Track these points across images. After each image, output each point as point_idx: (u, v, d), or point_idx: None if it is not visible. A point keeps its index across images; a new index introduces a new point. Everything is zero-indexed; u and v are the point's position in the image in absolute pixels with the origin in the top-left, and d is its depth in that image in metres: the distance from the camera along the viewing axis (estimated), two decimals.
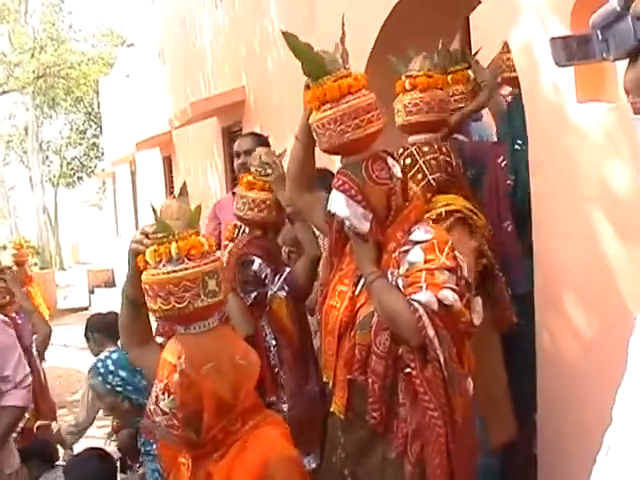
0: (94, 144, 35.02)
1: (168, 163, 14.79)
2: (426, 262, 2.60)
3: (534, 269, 3.57)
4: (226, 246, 4.25)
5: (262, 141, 4.87)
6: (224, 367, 2.19)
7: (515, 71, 3.86)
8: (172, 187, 14.51)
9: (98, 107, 30.20)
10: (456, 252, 2.68)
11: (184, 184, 2.78)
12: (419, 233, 2.69)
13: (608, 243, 3.01)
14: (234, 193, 5.12)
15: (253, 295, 3.70)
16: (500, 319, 3.61)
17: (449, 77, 4.26)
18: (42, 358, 5.95)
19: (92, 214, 42.62)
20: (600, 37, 1.33)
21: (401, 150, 3.56)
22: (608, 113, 2.97)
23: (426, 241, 2.65)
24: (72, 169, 36.28)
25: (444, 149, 3.63)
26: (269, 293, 3.74)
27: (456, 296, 2.55)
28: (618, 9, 1.27)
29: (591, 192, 3.10)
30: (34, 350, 5.45)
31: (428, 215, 3.20)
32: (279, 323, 3.71)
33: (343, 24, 2.99)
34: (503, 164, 4.09)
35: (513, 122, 4.15)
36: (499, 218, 3.97)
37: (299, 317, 3.81)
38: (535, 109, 3.44)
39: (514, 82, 4.04)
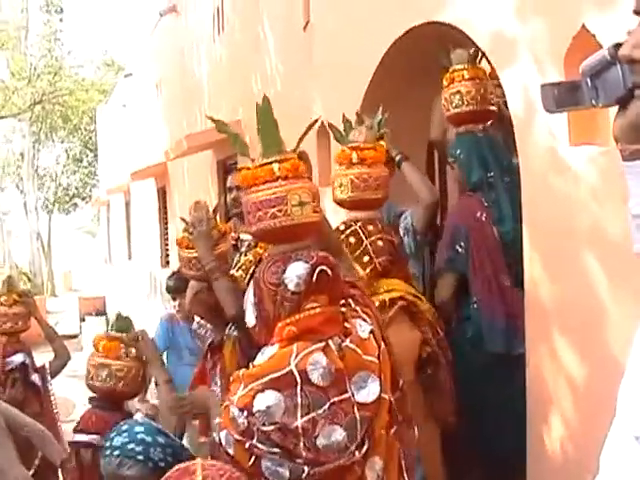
0: (90, 172, 35.09)
1: (162, 194, 14.80)
2: None
3: (526, 308, 3.58)
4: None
5: None
6: None
7: (466, 104, 3.91)
8: (166, 218, 14.52)
9: (95, 135, 30.32)
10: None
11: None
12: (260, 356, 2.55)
13: (598, 283, 3.02)
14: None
15: (207, 343, 3.63)
16: (440, 410, 3.58)
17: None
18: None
19: (85, 241, 42.58)
20: (590, 84, 1.35)
21: (343, 227, 3.49)
22: (600, 156, 2.99)
23: None
24: (67, 196, 36.31)
25: (386, 227, 3.59)
26: (218, 339, 3.59)
27: None
28: (608, 57, 1.29)
29: (583, 233, 3.12)
30: (47, 375, 5.20)
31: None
32: (224, 365, 3.49)
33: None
34: (483, 217, 3.92)
35: (481, 158, 4.00)
36: (493, 275, 3.84)
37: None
38: (528, 151, 3.46)
39: (462, 118, 4.01)
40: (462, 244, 3.86)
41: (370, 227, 3.50)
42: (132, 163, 15.92)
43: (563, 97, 1.45)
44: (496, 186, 3.94)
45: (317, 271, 2.46)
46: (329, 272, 2.50)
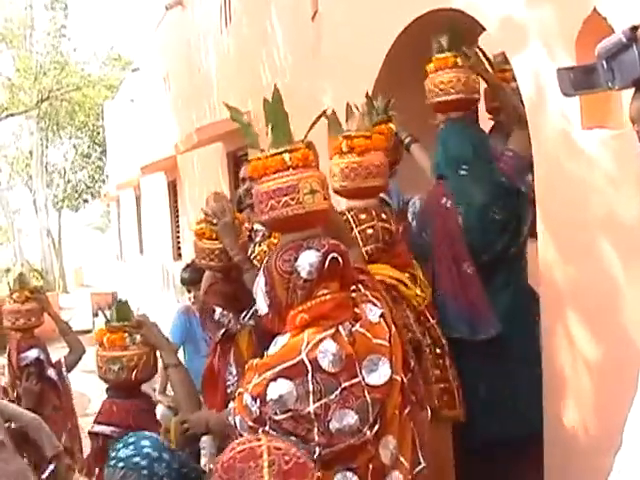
0: (99, 167, 35.12)
1: (173, 187, 14.83)
2: None
3: (541, 292, 3.59)
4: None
5: None
6: None
7: (449, 93, 3.90)
8: (177, 211, 14.55)
9: (103, 131, 30.34)
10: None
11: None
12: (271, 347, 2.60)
13: (614, 267, 3.03)
14: None
15: (221, 332, 3.58)
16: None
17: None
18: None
19: (96, 237, 42.67)
20: (606, 67, 1.35)
21: None
22: (613, 139, 2.99)
23: None
24: (76, 192, 36.35)
25: (383, 215, 3.55)
26: (237, 328, 3.56)
27: None
28: (624, 39, 1.29)
29: (597, 217, 3.12)
30: (64, 370, 5.20)
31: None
32: (239, 355, 3.48)
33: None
34: (448, 204, 3.93)
35: (452, 148, 4.03)
36: (455, 263, 3.84)
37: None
38: (540, 135, 3.46)
39: (446, 106, 4.00)
40: (427, 233, 3.93)
41: (363, 215, 3.48)
42: (141, 157, 15.92)
43: (579, 80, 1.46)
44: (451, 175, 3.96)
45: (329, 258, 2.52)
46: (340, 259, 2.55)
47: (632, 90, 1.34)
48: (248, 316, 3.49)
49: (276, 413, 2.39)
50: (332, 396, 2.41)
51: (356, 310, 2.59)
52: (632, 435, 1.29)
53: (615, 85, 1.36)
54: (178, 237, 14.36)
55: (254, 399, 2.44)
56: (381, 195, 3.81)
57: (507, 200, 3.89)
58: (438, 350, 3.64)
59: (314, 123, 2.84)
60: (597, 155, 3.08)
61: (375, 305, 2.64)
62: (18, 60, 30.71)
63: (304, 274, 2.51)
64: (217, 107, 10.89)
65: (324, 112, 3.30)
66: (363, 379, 2.46)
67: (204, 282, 3.83)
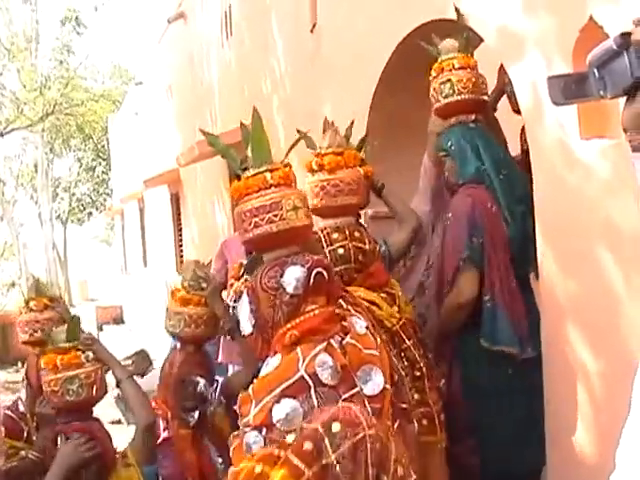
0: (103, 180, 35.21)
1: (176, 200, 14.83)
2: None
3: (540, 303, 3.55)
4: (232, 285, 4.24)
5: None
6: None
7: (457, 93, 3.75)
8: (180, 224, 14.55)
9: (107, 145, 30.41)
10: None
11: None
12: (263, 368, 2.58)
13: (613, 277, 3.00)
14: None
15: (196, 415, 3.55)
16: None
17: None
18: None
19: (101, 250, 42.70)
20: (597, 75, 1.33)
21: None
22: (612, 149, 2.97)
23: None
24: (81, 205, 36.45)
25: (357, 234, 3.50)
26: (209, 410, 3.58)
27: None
28: (615, 47, 1.27)
29: (596, 227, 3.10)
30: None
31: None
32: (222, 440, 3.29)
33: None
34: (494, 209, 3.72)
35: (489, 151, 3.80)
36: (506, 272, 3.66)
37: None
38: (538, 145, 3.44)
39: (452, 108, 3.83)
40: (478, 237, 3.65)
41: (335, 235, 3.42)
42: (145, 170, 15.95)
43: (570, 89, 1.44)
44: (492, 180, 3.75)
45: (314, 273, 2.56)
46: (325, 274, 2.60)
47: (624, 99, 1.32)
48: (216, 402, 3.51)
49: (284, 436, 2.35)
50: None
51: (344, 323, 2.60)
52: (624, 458, 1.26)
53: (607, 94, 1.34)
54: (181, 250, 14.35)
55: (258, 430, 2.41)
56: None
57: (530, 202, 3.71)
58: (417, 373, 3.50)
59: (292, 147, 2.93)
60: (595, 165, 3.06)
61: (359, 318, 2.67)
62: (23, 74, 30.84)
63: (290, 290, 2.53)
64: (219, 119, 10.91)
65: (301, 135, 3.34)
66: (361, 389, 2.47)
67: (175, 356, 3.78)
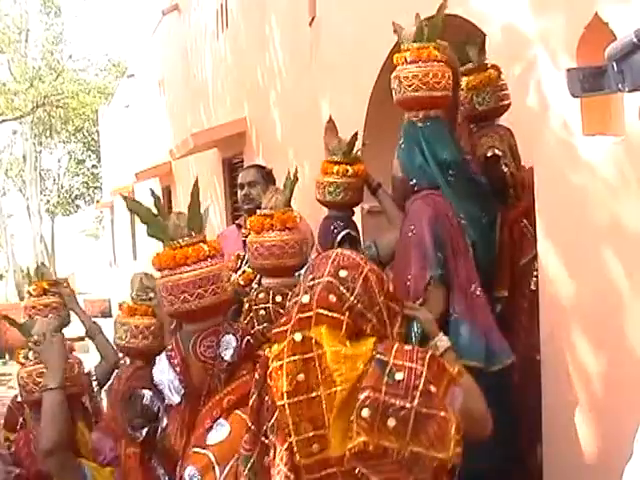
0: (92, 174, 35.11)
1: (168, 194, 14.80)
2: None
3: (540, 303, 3.53)
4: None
5: (265, 173, 4.91)
6: None
7: (416, 90, 3.52)
8: None
9: (97, 137, 30.32)
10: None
11: None
12: (214, 434, 2.68)
13: (617, 278, 2.98)
14: (238, 225, 5.14)
15: (144, 432, 3.43)
16: None
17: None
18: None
19: (89, 244, 42.59)
20: (616, 69, 1.33)
21: (254, 295, 3.44)
22: (615, 146, 2.97)
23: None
24: (70, 198, 36.33)
25: (279, 298, 3.43)
26: (160, 428, 3.39)
27: None
28: (635, 41, 1.27)
29: (599, 226, 3.08)
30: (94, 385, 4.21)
31: None
32: (171, 462, 3.16)
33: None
34: (452, 215, 3.50)
35: (432, 150, 3.57)
36: (468, 283, 3.48)
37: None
38: (541, 143, 3.43)
39: (406, 104, 3.61)
40: (442, 252, 3.45)
41: (278, 298, 3.37)
42: (136, 163, 15.92)
43: (589, 82, 1.43)
44: (437, 180, 3.56)
45: (245, 341, 2.80)
46: (252, 341, 2.85)
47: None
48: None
49: None
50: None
51: None
52: None
53: (625, 87, 1.33)
54: None
55: None
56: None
57: (490, 207, 3.67)
58: None
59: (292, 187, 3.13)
60: (599, 162, 3.05)
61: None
62: (13, 65, 30.72)
63: (228, 358, 2.74)
64: (213, 113, 10.88)
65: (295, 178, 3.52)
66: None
67: (124, 371, 3.71)
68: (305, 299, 2.32)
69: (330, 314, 2.30)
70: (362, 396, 2.20)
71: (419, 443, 2.17)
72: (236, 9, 9.53)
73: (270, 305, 3.37)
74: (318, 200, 4.04)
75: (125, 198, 3.00)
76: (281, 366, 2.28)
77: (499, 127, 3.99)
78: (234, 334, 2.77)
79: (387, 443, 2.17)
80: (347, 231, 3.97)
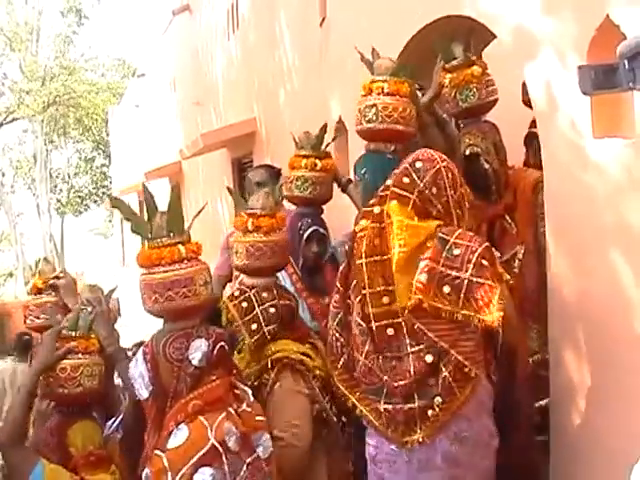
0: (102, 173, 35.16)
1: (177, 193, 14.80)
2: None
3: (549, 304, 3.53)
4: (237, 277, 4.22)
5: (275, 173, 4.89)
6: None
7: (380, 121, 3.57)
8: None
9: (107, 136, 30.37)
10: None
11: None
12: (173, 439, 2.66)
13: (624, 279, 2.98)
14: None
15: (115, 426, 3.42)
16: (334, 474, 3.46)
17: None
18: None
19: (98, 243, 42.64)
20: (627, 67, 1.33)
21: (238, 292, 3.43)
22: (625, 149, 2.96)
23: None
24: (80, 197, 36.38)
25: (284, 292, 3.52)
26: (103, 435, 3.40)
27: None
28: None
29: (608, 227, 3.08)
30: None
31: (259, 367, 3.29)
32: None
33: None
34: None
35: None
36: None
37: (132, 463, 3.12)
38: (551, 145, 3.43)
39: (374, 135, 3.69)
40: None
41: (265, 294, 3.40)
42: (146, 163, 15.93)
43: (600, 79, 1.44)
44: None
45: (217, 347, 2.77)
46: (226, 347, 2.83)
47: None
48: (113, 428, 3.39)
49: None
50: (242, 473, 2.65)
51: (236, 391, 2.83)
52: None
53: (637, 85, 1.33)
54: None
55: None
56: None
57: None
58: (344, 418, 3.47)
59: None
60: (608, 165, 3.04)
61: (246, 385, 2.94)
62: (24, 64, 30.80)
63: (195, 362, 2.71)
64: (223, 113, 10.89)
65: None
66: (258, 455, 2.72)
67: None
68: (388, 181, 2.97)
69: (401, 192, 2.90)
70: (422, 264, 2.77)
71: (470, 307, 2.71)
72: (247, 10, 9.54)
73: (277, 301, 3.39)
74: (286, 197, 4.00)
75: (109, 196, 3.00)
76: (364, 234, 2.94)
77: (484, 124, 3.98)
78: (207, 339, 2.74)
79: (440, 305, 2.74)
80: (315, 228, 3.97)
